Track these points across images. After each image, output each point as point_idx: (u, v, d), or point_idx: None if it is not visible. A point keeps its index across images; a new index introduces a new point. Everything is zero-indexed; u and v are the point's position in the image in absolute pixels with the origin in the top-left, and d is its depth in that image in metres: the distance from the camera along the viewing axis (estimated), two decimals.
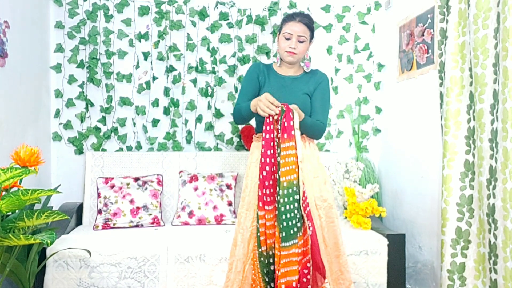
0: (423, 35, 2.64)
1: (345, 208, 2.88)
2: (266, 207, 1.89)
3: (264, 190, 1.90)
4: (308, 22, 2.09)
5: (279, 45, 2.11)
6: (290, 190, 1.85)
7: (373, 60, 3.28)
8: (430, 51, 2.58)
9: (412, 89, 2.81)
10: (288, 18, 2.12)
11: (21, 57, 2.55)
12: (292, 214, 1.84)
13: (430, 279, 2.56)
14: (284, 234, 1.83)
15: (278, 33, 2.16)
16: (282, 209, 1.84)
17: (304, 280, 1.85)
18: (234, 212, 2.83)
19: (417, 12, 2.71)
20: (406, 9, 2.87)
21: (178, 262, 2.34)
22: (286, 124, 1.88)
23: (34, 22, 2.76)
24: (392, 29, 3.07)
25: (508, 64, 1.80)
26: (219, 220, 2.78)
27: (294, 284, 1.82)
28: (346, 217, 2.83)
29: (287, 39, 2.07)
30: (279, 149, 1.89)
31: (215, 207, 2.80)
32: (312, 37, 2.13)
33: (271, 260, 1.90)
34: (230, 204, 2.84)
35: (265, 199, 1.89)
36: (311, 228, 1.87)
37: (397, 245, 2.49)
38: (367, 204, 2.68)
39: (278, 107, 1.89)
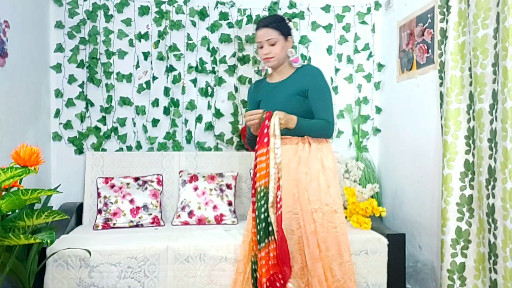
0: (423, 35, 2.64)
1: (345, 208, 2.87)
2: (252, 214, 1.93)
3: (252, 197, 1.94)
4: (269, 23, 2.11)
5: (259, 56, 2.17)
6: (262, 194, 1.87)
7: (373, 60, 3.28)
8: (430, 51, 2.58)
9: (412, 89, 2.81)
10: (256, 28, 2.16)
11: (21, 57, 2.55)
12: (262, 217, 1.86)
13: (430, 279, 2.56)
14: (258, 237, 1.87)
15: None
16: (256, 212, 1.88)
17: (278, 284, 1.85)
18: (234, 212, 2.83)
19: (417, 12, 2.71)
20: (406, 9, 2.87)
21: (178, 262, 2.34)
22: (263, 131, 1.95)
23: (34, 22, 2.76)
24: (392, 29, 3.08)
25: (507, 64, 1.80)
26: (219, 220, 2.78)
27: (265, 286, 1.84)
28: (346, 217, 2.83)
29: (261, 47, 2.12)
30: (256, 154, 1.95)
31: (215, 207, 2.80)
32: (286, 33, 2.12)
33: (255, 267, 1.93)
34: (230, 204, 2.84)
35: (253, 206, 1.93)
36: (278, 236, 1.86)
37: (397, 245, 2.49)
38: (367, 204, 2.68)
39: (259, 113, 1.98)
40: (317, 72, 2.15)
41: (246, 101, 3.02)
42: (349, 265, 2.02)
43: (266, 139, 1.93)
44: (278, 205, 1.88)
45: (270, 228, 1.86)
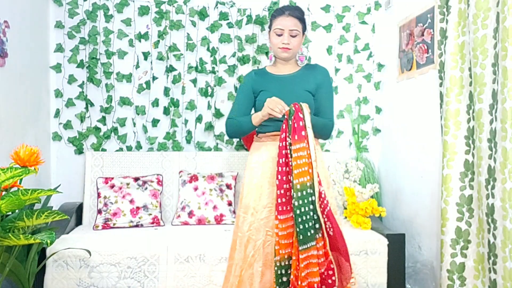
0: (423, 35, 2.64)
1: (345, 208, 2.88)
2: (279, 217, 1.84)
3: (278, 199, 1.86)
4: (299, 15, 2.02)
5: (271, 42, 2.05)
6: (304, 192, 1.81)
7: (373, 60, 3.28)
8: (430, 51, 2.58)
9: (412, 89, 2.81)
10: (277, 12, 2.05)
11: (21, 57, 2.55)
12: (308, 216, 1.79)
13: (430, 279, 2.56)
14: (301, 237, 1.78)
15: (268, 30, 2.09)
16: (298, 211, 1.79)
17: (329, 281, 1.81)
18: (234, 212, 2.83)
19: (417, 12, 2.71)
20: (406, 9, 2.86)
21: (178, 262, 2.34)
22: (296, 125, 1.85)
23: (34, 22, 2.76)
24: (392, 29, 3.07)
25: (507, 64, 1.80)
26: (219, 220, 2.78)
27: (316, 286, 1.78)
28: (346, 217, 2.83)
29: (279, 35, 2.01)
30: (291, 151, 1.86)
31: (215, 207, 2.80)
32: (304, 29, 2.07)
33: (283, 271, 1.84)
34: (230, 204, 2.84)
35: (279, 208, 1.84)
36: (331, 230, 1.81)
37: (396, 245, 2.49)
38: (367, 204, 2.68)
39: (285, 108, 1.88)
40: (328, 73, 2.14)
41: None
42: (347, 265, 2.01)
43: (303, 132, 1.84)
44: (326, 201, 1.82)
45: (317, 225, 1.80)
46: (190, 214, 2.79)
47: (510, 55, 1.80)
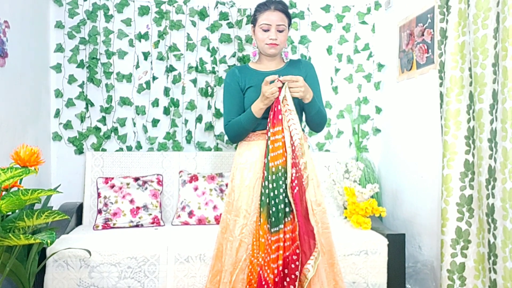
0: (423, 35, 2.64)
1: (345, 208, 2.88)
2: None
3: (263, 181, 1.88)
4: (284, 8, 1.98)
5: (257, 37, 1.99)
6: (279, 175, 1.82)
7: (373, 60, 3.28)
8: (430, 51, 2.58)
9: (412, 89, 2.81)
10: (262, 7, 1.99)
11: (21, 57, 2.55)
12: (279, 199, 1.81)
13: (430, 279, 2.56)
14: (273, 219, 1.80)
15: (252, 24, 2.04)
16: (271, 194, 1.82)
17: (293, 266, 1.79)
18: None
19: (417, 12, 2.71)
20: (406, 9, 2.87)
21: (178, 262, 2.34)
22: (275, 108, 1.86)
23: (34, 22, 2.76)
24: (392, 29, 3.08)
25: (507, 64, 1.80)
26: (219, 220, 2.77)
27: (280, 268, 1.78)
28: (346, 217, 2.83)
29: (265, 30, 1.95)
30: (270, 133, 1.87)
31: (215, 207, 2.80)
32: (290, 23, 2.03)
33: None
34: None
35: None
36: (297, 212, 1.81)
37: (397, 245, 2.49)
38: (367, 204, 2.68)
39: (275, 80, 1.85)
40: (312, 65, 2.11)
41: None
42: (338, 267, 1.97)
43: (280, 116, 1.84)
44: (293, 184, 1.82)
45: (287, 209, 1.81)
46: (190, 214, 2.79)
47: (510, 55, 1.80)
